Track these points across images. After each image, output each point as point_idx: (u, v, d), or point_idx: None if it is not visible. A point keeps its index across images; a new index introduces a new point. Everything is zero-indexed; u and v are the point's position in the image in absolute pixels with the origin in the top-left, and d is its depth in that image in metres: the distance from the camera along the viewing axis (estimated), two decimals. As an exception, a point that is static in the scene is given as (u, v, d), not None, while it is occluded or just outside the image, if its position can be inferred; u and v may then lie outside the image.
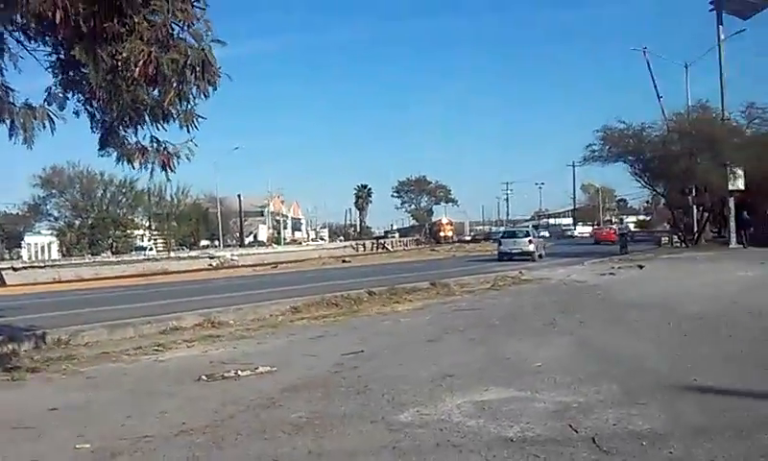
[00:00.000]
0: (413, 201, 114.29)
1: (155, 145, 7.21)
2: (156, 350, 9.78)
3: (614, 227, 60.89)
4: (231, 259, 46.36)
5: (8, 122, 6.86)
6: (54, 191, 66.22)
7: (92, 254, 52.20)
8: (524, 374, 6.98)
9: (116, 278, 33.68)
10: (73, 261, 42.81)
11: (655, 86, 39.86)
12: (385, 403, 5.96)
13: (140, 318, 12.50)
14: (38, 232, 67.47)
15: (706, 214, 37.86)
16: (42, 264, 40.47)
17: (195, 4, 6.67)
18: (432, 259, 41.46)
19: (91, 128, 7.21)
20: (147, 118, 6.89)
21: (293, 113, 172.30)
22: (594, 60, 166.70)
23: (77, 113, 7.10)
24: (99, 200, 67.08)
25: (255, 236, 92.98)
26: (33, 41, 6.83)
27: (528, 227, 57.30)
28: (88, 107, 7.06)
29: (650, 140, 36.42)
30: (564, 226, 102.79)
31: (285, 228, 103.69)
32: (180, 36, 6.59)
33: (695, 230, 37.66)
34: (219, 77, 6.50)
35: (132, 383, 7.62)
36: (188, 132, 7.13)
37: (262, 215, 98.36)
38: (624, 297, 14.15)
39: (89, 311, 15.27)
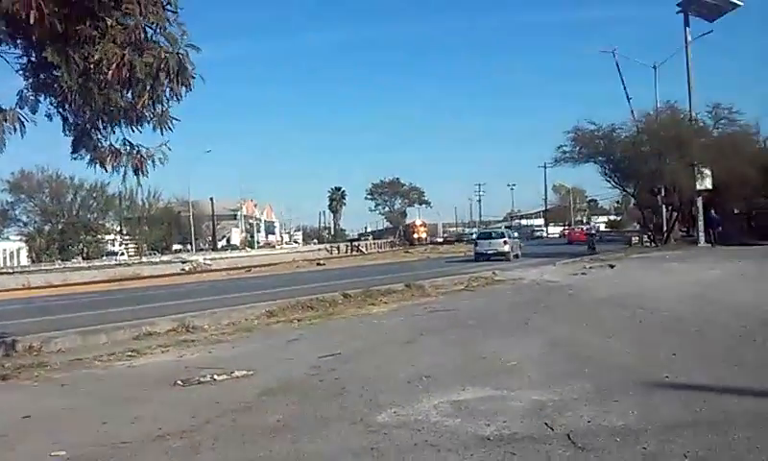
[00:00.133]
0: (387, 203, 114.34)
1: (128, 148, 7.16)
2: (130, 355, 9.68)
3: (584, 227, 61.48)
4: (204, 263, 45.98)
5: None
6: (23, 196, 65.00)
7: (62, 260, 51.33)
8: (500, 373, 7.05)
9: (87, 283, 33.22)
10: (43, 267, 42.19)
11: (624, 88, 40.50)
12: (363, 405, 5.98)
13: (113, 324, 12.35)
14: (7, 238, 66.06)
15: (675, 214, 38.46)
16: (11, 270, 39.81)
17: (167, 7, 6.66)
18: (406, 261, 41.54)
19: (64, 131, 7.15)
20: (120, 121, 6.84)
21: (264, 116, 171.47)
22: (567, 62, 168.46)
23: (49, 116, 7.03)
24: (69, 204, 66.05)
25: (228, 240, 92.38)
26: (2, 44, 6.74)
27: (502, 228, 57.76)
28: (61, 110, 6.99)
29: (620, 141, 36.95)
30: (534, 226, 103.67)
31: (258, 231, 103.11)
32: (154, 38, 6.57)
33: (664, 229, 38.25)
34: (194, 78, 6.48)
35: (106, 389, 7.55)
36: (162, 134, 7.11)
37: (235, 218, 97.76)
38: (596, 296, 14.34)
39: (61, 318, 15.05)
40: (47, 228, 63.99)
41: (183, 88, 6.52)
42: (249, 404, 6.27)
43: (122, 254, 62.88)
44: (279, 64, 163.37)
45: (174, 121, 6.98)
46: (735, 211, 40.85)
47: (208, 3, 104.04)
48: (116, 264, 45.65)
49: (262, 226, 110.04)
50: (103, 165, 7.23)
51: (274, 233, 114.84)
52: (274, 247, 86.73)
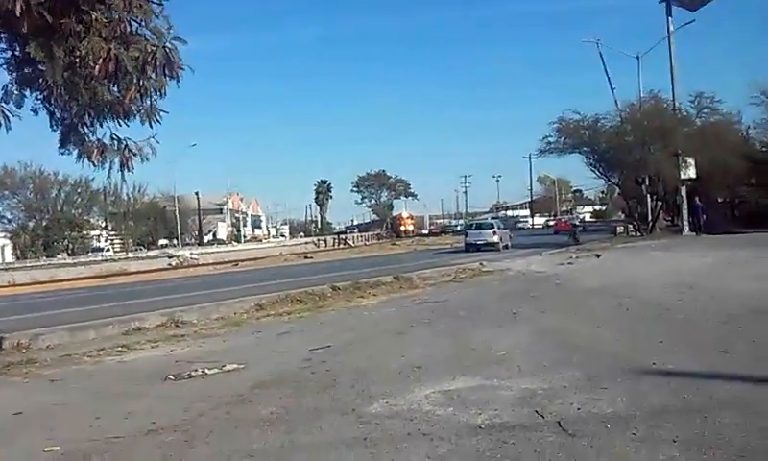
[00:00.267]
0: (373, 196, 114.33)
1: (115, 143, 7.13)
2: (120, 351, 9.66)
3: (566, 218, 61.64)
4: (191, 258, 45.85)
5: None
6: (6, 192, 64.34)
7: (47, 257, 50.91)
8: (490, 363, 7.12)
9: (74, 279, 33.06)
10: (28, 264, 41.84)
11: (608, 78, 40.60)
12: (355, 396, 6.02)
13: (101, 319, 12.33)
14: (-10, 236, 65.60)
15: (659, 203, 38.73)
16: (-5, 267, 39.47)
17: (152, 0, 6.63)
18: (393, 253, 41.66)
19: (51, 126, 7.10)
20: (107, 115, 6.81)
21: (249, 110, 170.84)
22: (552, 53, 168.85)
23: (35, 111, 6.98)
24: (53, 200, 65.50)
25: (215, 234, 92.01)
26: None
27: (488, 219, 58.05)
28: (47, 104, 6.94)
29: (604, 131, 37.14)
30: (518, 218, 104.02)
31: (245, 225, 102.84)
32: (140, 32, 6.54)
33: (649, 218, 38.51)
34: (182, 70, 6.47)
35: (97, 385, 7.54)
36: (151, 127, 7.09)
37: (221, 213, 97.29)
38: (583, 285, 14.46)
39: (48, 314, 15.00)
40: (31, 224, 63.37)
41: (172, 81, 6.50)
42: (241, 397, 6.29)
43: (107, 249, 62.47)
44: (264, 58, 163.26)
45: (162, 114, 6.96)
46: (719, 200, 41.30)
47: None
48: (102, 260, 45.43)
49: (248, 220, 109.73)
50: (91, 160, 7.20)
51: (260, 227, 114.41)
52: (260, 241, 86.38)
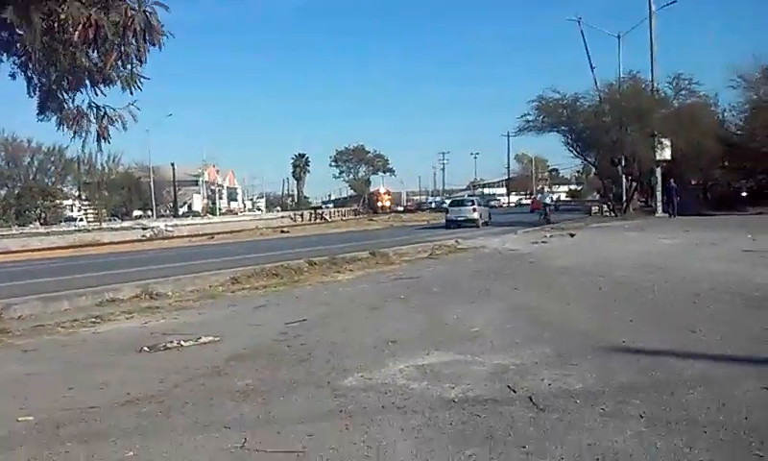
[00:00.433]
0: (351, 170, 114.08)
1: (94, 110, 7.04)
2: (94, 322, 9.61)
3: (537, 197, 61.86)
4: (166, 230, 45.44)
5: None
6: (-23, 159, 63.28)
7: (19, 226, 50.20)
8: (463, 338, 7.21)
9: (46, 249, 32.65)
10: (-1, 233, 41.22)
11: (588, 57, 40.80)
12: (330, 369, 6.07)
13: (75, 290, 12.23)
14: (-39, 203, 64.38)
15: (634, 184, 39.17)
16: (-34, 236, 38.80)
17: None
18: (370, 229, 41.69)
19: (28, 92, 7.00)
20: (87, 82, 6.72)
21: (228, 82, 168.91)
22: (533, 31, 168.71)
23: (13, 75, 6.86)
24: (26, 168, 64.54)
25: (190, 206, 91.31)
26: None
27: (464, 196, 58.37)
28: (24, 70, 6.82)
29: (583, 111, 37.37)
30: (491, 196, 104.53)
31: (221, 198, 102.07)
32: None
33: (624, 199, 38.94)
34: (163, 36, 6.39)
35: (70, 355, 7.51)
36: (131, 94, 7.02)
37: (197, 185, 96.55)
38: (556, 264, 14.63)
39: (20, 284, 14.83)
40: (3, 192, 62.46)
41: (153, 47, 6.43)
42: (217, 369, 6.31)
43: (81, 219, 61.67)
44: (243, 30, 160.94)
45: (143, 80, 6.89)
46: (692, 182, 41.86)
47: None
48: (76, 230, 44.88)
49: (224, 192, 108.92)
50: (71, 128, 7.11)
51: (236, 200, 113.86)
52: (236, 214, 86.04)
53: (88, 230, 44.28)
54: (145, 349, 7.46)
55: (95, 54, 6.54)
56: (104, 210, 68.75)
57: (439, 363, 6.12)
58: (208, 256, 21.68)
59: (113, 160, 74.18)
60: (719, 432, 4.14)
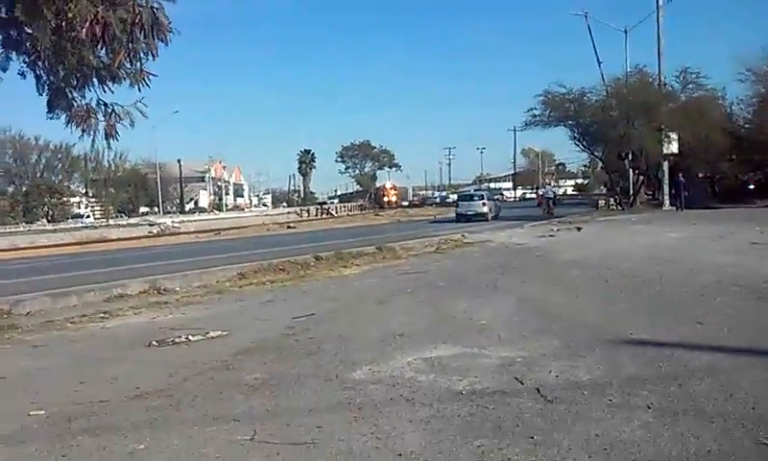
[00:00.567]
0: (357, 166, 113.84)
1: (102, 107, 7.07)
2: (103, 317, 9.67)
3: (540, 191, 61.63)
4: (173, 226, 45.58)
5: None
6: (-15, 157, 63.59)
7: (27, 223, 50.40)
8: (471, 331, 7.23)
9: (54, 246, 32.81)
10: (8, 230, 41.37)
11: (595, 51, 40.64)
12: (338, 363, 6.10)
13: (83, 286, 12.29)
14: (-31, 201, 64.68)
15: (641, 178, 39.06)
16: (-26, 233, 39.00)
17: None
18: (376, 224, 41.72)
19: (37, 90, 7.02)
20: (95, 79, 6.74)
21: (233, 78, 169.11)
22: (539, 25, 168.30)
23: (23, 74, 6.89)
24: (33, 166, 64.83)
25: (196, 203, 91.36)
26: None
27: (471, 190, 58.31)
28: (34, 68, 6.86)
29: (590, 105, 37.29)
30: (496, 190, 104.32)
31: (227, 194, 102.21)
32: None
33: (631, 192, 38.83)
34: (171, 32, 6.42)
35: (80, 350, 7.56)
36: (139, 91, 7.04)
37: (203, 181, 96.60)
38: (563, 257, 14.62)
39: (29, 280, 14.92)
40: (11, 189, 62.74)
41: (160, 43, 6.45)
42: (225, 363, 6.35)
43: (88, 216, 61.86)
44: (248, 25, 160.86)
45: (151, 76, 6.92)
46: (699, 175, 41.65)
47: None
48: (83, 227, 45.01)
49: (230, 188, 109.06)
50: (79, 125, 7.14)
51: (242, 196, 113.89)
52: (243, 210, 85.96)
53: (95, 227, 44.42)
54: (154, 343, 7.50)
55: (103, 51, 6.57)
56: (111, 207, 68.89)
57: (446, 356, 6.15)
58: (215, 252, 21.76)
59: (120, 157, 74.29)
60: (726, 422, 4.15)
